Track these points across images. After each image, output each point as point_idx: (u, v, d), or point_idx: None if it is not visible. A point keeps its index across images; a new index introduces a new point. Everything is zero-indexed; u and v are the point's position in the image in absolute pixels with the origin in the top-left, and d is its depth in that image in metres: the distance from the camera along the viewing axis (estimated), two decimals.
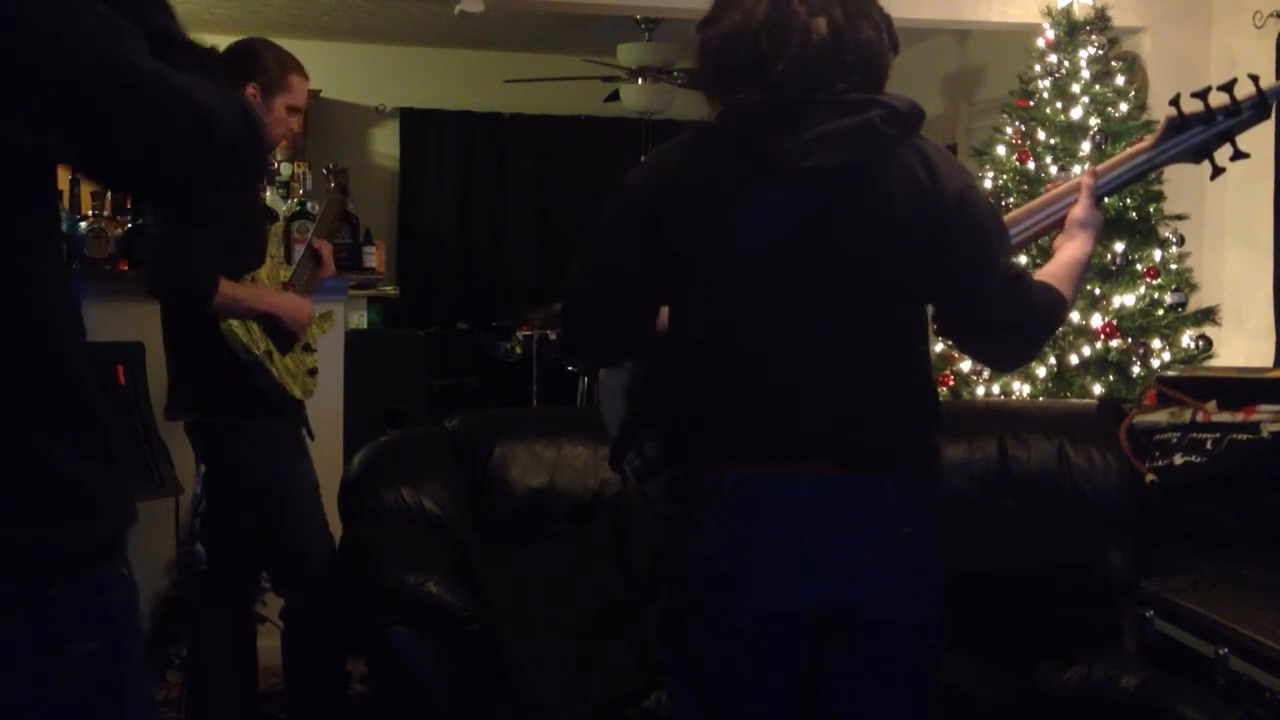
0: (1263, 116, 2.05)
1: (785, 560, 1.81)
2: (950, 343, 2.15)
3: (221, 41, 3.21)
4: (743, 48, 1.84)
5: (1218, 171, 2.11)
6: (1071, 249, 2.03)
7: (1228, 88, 2.03)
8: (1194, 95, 2.05)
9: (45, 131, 1.20)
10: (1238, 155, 2.07)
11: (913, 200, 1.81)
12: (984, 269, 1.85)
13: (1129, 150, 2.15)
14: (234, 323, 3.03)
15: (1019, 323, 1.90)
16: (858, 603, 1.82)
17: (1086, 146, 4.59)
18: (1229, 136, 2.06)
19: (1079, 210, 2.05)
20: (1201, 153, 2.08)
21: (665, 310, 1.98)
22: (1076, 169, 4.55)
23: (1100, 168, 2.11)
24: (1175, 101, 2.07)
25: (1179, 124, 2.06)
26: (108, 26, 1.21)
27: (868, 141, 1.80)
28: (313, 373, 3.26)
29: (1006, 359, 2.08)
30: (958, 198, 1.83)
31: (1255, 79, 2.03)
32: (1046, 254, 2.34)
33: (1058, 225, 2.08)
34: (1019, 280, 1.89)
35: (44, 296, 1.27)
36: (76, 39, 1.18)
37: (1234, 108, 2.04)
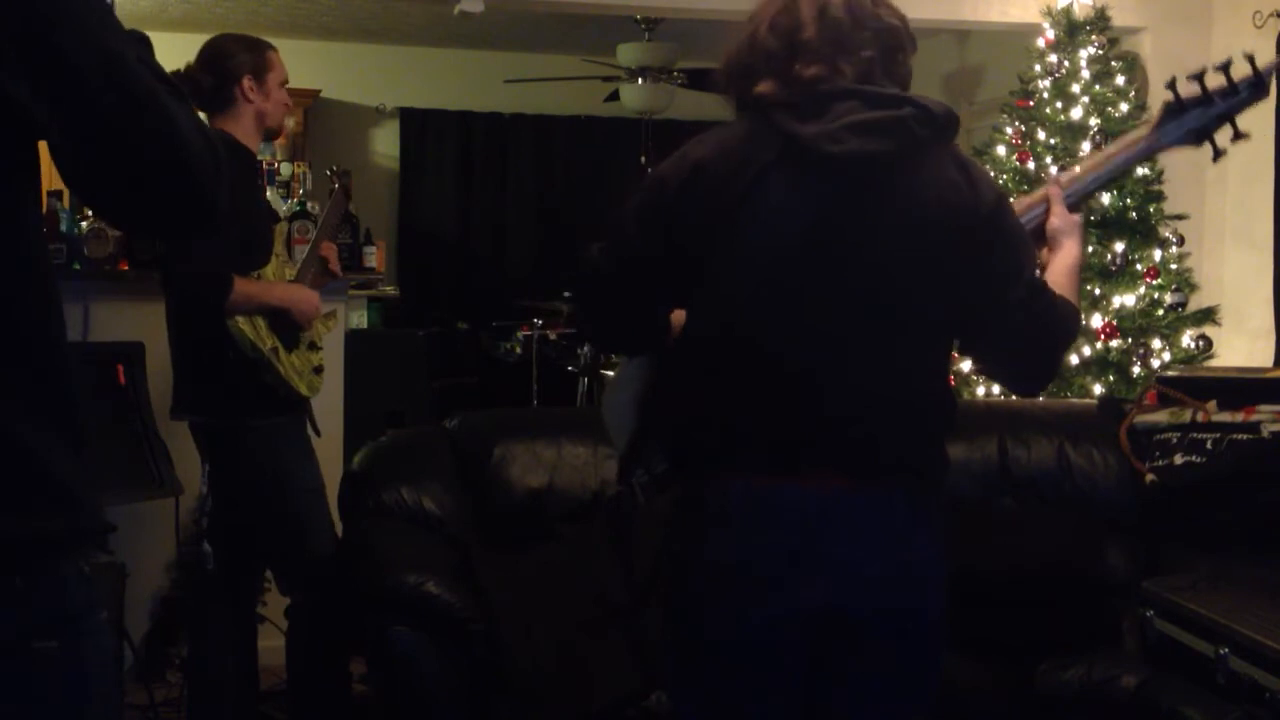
0: (1261, 95, 2.02)
1: (791, 565, 1.80)
2: (973, 364, 2.08)
3: None
4: (758, 41, 1.85)
5: (1219, 154, 2.07)
6: (1061, 257, 2.01)
7: (1224, 68, 2.01)
8: (1190, 78, 2.02)
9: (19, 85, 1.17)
10: (1238, 136, 2.04)
11: (948, 204, 1.80)
12: (1014, 278, 1.85)
13: (1124, 140, 2.13)
14: (241, 320, 3.04)
15: (1041, 336, 1.88)
16: (862, 607, 1.82)
17: (1086, 146, 4.58)
18: (1228, 117, 2.03)
19: (1054, 220, 2.03)
20: (1202, 136, 2.05)
21: (680, 313, 1.96)
22: (1077, 169, 4.54)
23: (1064, 177, 2.10)
24: (1172, 85, 2.05)
25: (1176, 109, 2.04)
26: (106, 13, 1.23)
27: (898, 136, 1.79)
28: (319, 370, 3.26)
29: (1031, 376, 1.99)
30: (994, 206, 1.83)
31: (1251, 58, 2.00)
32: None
33: (1036, 237, 2.04)
34: (1043, 291, 1.88)
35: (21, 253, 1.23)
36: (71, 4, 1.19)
37: (1231, 88, 2.01)
